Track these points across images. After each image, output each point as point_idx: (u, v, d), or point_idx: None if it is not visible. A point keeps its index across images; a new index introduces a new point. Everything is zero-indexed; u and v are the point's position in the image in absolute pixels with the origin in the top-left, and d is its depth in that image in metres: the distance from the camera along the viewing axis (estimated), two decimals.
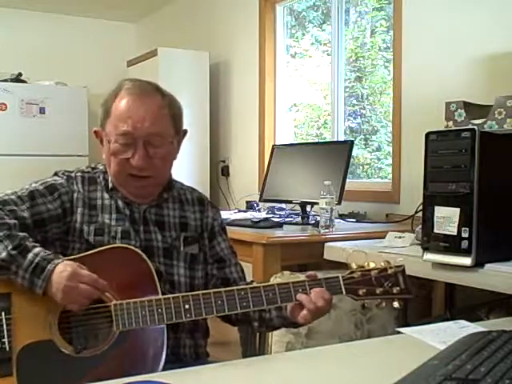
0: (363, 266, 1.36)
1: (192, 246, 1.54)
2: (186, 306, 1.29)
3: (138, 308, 1.28)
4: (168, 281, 1.48)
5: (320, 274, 1.37)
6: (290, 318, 1.39)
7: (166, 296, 1.31)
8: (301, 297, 1.32)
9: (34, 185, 1.47)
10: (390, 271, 1.34)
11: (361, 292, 1.33)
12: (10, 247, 1.29)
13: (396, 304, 1.34)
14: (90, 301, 1.28)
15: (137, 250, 1.38)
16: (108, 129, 1.47)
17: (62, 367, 1.28)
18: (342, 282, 1.34)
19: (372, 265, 1.36)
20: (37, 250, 1.31)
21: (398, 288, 1.33)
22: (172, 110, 1.50)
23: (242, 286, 1.34)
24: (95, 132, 1.54)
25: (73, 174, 1.51)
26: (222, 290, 1.32)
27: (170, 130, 1.49)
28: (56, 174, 1.53)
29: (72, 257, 1.38)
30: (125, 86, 1.48)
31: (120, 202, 1.50)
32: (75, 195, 1.47)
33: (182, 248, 1.52)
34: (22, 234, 1.33)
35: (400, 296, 1.33)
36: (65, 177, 1.50)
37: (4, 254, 1.28)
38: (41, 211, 1.41)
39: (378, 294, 1.33)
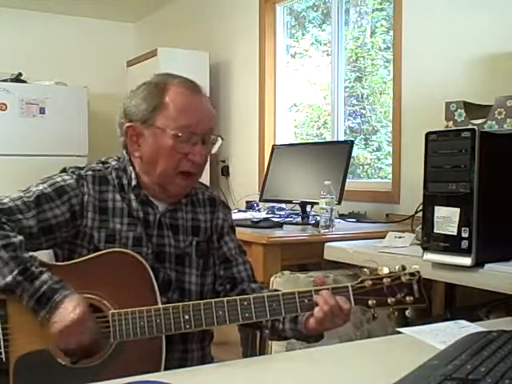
0: (376, 272, 1.27)
1: (203, 252, 1.50)
2: (186, 317, 1.25)
3: (136, 318, 1.24)
4: (178, 288, 1.43)
5: (322, 274, 1.34)
6: (304, 331, 1.33)
7: (166, 305, 1.27)
8: (317, 298, 1.26)
9: (41, 186, 1.38)
10: (403, 279, 1.26)
11: (371, 303, 1.26)
12: (15, 271, 1.22)
13: (408, 313, 1.27)
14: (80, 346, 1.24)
15: (135, 254, 1.33)
16: (161, 122, 1.38)
17: (58, 378, 1.24)
18: (351, 293, 1.27)
19: (386, 270, 1.27)
20: (44, 277, 1.25)
21: (411, 298, 1.26)
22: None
23: (245, 296, 1.29)
24: (130, 128, 1.42)
25: (83, 173, 1.42)
26: (224, 299, 1.28)
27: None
28: (65, 170, 1.45)
29: (70, 262, 1.35)
30: (173, 80, 1.42)
31: (134, 204, 1.43)
32: (85, 198, 1.40)
33: (194, 255, 1.47)
34: (27, 255, 1.27)
35: (413, 305, 1.26)
36: (75, 176, 1.41)
37: (9, 278, 1.22)
38: (48, 218, 1.35)
39: (389, 304, 1.26)
